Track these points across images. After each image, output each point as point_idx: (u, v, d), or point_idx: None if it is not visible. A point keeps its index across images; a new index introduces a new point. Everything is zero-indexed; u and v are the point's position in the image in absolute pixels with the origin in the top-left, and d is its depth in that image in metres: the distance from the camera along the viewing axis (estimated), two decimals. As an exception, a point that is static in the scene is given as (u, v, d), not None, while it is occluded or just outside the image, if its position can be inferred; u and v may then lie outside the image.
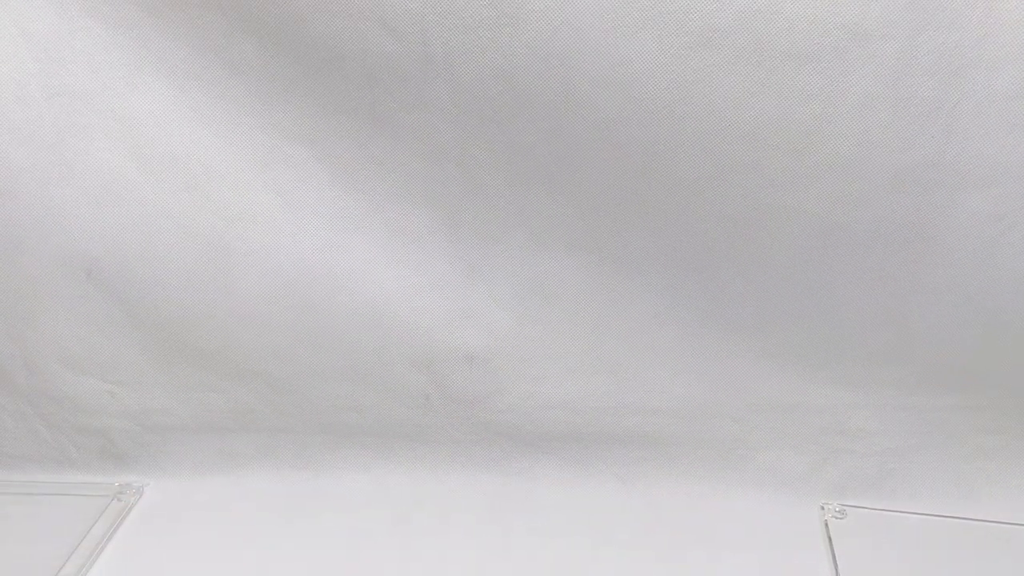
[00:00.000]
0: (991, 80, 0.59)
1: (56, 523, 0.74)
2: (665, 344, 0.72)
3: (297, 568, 0.69)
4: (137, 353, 0.75)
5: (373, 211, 0.70)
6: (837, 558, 0.67)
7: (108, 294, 0.72)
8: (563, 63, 0.61)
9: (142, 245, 0.70)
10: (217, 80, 0.66)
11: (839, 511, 0.72)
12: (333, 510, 0.75)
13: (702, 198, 0.65)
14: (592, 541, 0.70)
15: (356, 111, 0.65)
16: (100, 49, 0.65)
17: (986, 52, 0.58)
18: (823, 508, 0.72)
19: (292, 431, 0.78)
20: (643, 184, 0.65)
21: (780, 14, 0.58)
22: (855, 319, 0.69)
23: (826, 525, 0.70)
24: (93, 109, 0.67)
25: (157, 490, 0.78)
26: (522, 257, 0.71)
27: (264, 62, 0.64)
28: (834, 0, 0.57)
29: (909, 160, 0.62)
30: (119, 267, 0.71)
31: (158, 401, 0.76)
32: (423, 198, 0.69)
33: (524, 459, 0.77)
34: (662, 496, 0.74)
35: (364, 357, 0.74)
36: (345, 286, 0.71)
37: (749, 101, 0.60)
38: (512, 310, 0.72)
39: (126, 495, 0.77)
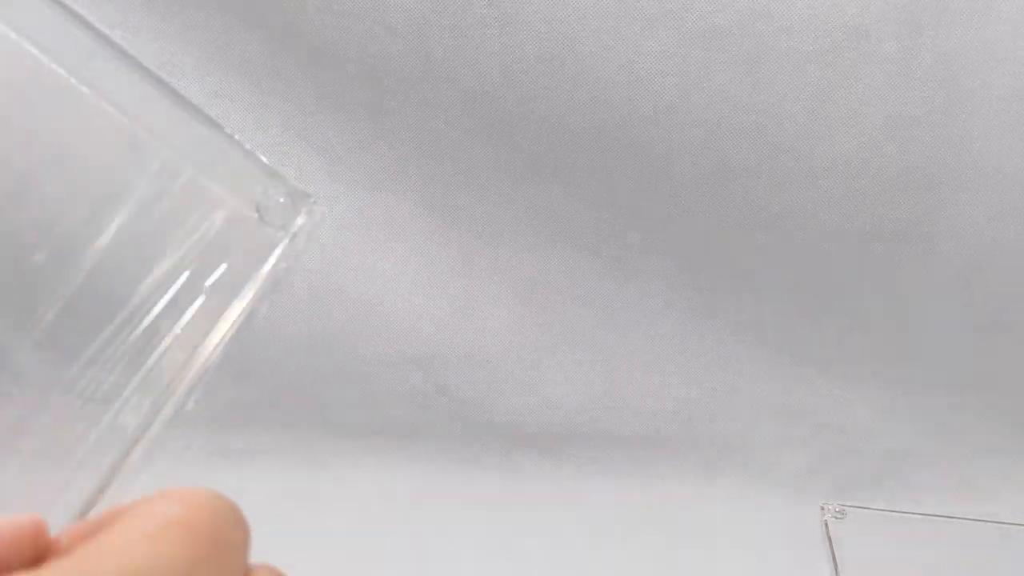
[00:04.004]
0: (991, 80, 0.59)
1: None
2: (664, 344, 0.72)
3: (295, 567, 0.69)
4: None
5: (372, 209, 0.70)
6: (837, 558, 0.67)
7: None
8: (563, 63, 0.61)
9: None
10: (216, 79, 0.66)
11: (839, 511, 0.72)
12: (332, 509, 0.75)
13: (702, 198, 0.65)
14: (592, 541, 0.70)
15: (356, 110, 0.65)
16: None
17: (986, 52, 0.58)
18: (823, 508, 0.72)
19: (292, 429, 0.78)
20: (643, 184, 0.65)
21: (780, 14, 0.58)
22: (855, 319, 0.69)
23: (826, 525, 0.70)
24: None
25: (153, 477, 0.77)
26: (522, 256, 0.71)
27: (264, 61, 0.64)
28: (834, 0, 0.57)
29: (909, 160, 0.62)
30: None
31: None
32: (423, 197, 0.69)
33: (524, 459, 0.77)
34: (662, 496, 0.74)
35: (364, 356, 0.74)
36: (344, 285, 0.71)
37: (749, 101, 0.60)
38: (512, 309, 0.72)
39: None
